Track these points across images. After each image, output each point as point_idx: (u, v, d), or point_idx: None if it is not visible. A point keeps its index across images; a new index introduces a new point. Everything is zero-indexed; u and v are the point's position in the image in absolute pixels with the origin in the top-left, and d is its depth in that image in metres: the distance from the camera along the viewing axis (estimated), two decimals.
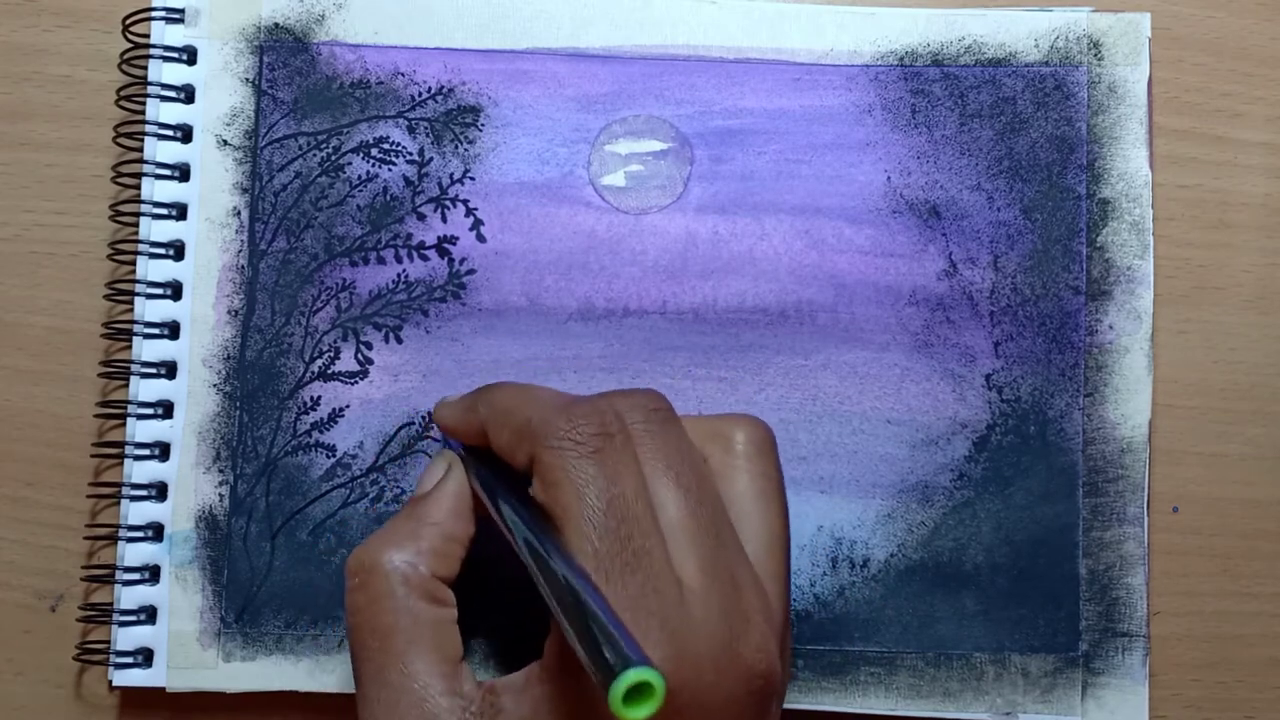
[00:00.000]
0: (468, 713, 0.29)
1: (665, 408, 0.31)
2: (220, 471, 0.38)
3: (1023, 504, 0.39)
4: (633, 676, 0.24)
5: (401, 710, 0.29)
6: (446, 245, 0.39)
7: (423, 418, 0.39)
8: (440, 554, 0.31)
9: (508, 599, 0.37)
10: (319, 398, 0.39)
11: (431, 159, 0.39)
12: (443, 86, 0.39)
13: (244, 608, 0.38)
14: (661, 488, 0.29)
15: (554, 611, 0.27)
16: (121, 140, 0.39)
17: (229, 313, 0.39)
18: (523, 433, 0.30)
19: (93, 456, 0.39)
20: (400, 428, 0.39)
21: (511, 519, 0.30)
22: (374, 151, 0.39)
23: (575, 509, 0.28)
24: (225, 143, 0.39)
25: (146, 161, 0.39)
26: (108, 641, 0.38)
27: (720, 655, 0.28)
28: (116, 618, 0.38)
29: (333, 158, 0.39)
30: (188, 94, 0.39)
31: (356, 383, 0.39)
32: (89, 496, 0.39)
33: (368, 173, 0.39)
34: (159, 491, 0.38)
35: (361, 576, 0.31)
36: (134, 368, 0.38)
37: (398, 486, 0.38)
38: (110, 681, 0.38)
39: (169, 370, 0.38)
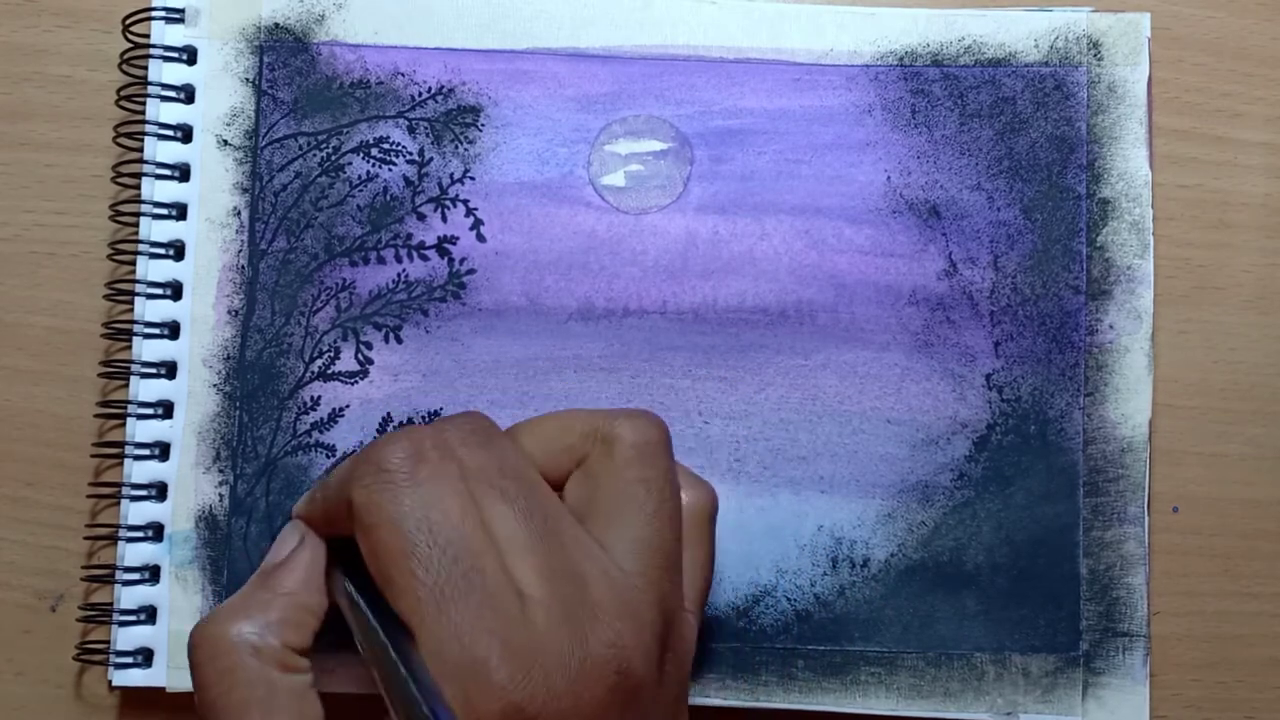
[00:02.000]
0: None
1: (485, 426, 0.31)
2: (220, 471, 0.38)
3: (1023, 504, 0.38)
4: None
5: None
6: (446, 245, 0.39)
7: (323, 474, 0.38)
8: (293, 624, 0.31)
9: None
10: (319, 398, 0.39)
11: (431, 159, 0.39)
12: (443, 86, 0.39)
13: None
14: (489, 505, 0.29)
15: (379, 677, 0.27)
16: (121, 140, 0.39)
17: (229, 313, 0.39)
18: (340, 488, 0.30)
19: (93, 456, 0.39)
20: (400, 428, 0.38)
21: (340, 589, 0.30)
22: (374, 151, 0.39)
23: (395, 544, 0.28)
24: (225, 143, 0.39)
25: (146, 161, 0.39)
26: (108, 641, 0.38)
27: (569, 659, 0.27)
28: (116, 618, 0.38)
29: (333, 158, 0.39)
30: (188, 94, 0.39)
31: (356, 383, 0.39)
32: (89, 496, 0.39)
33: (368, 173, 0.39)
34: (159, 491, 0.38)
35: (208, 649, 0.30)
36: (134, 368, 0.38)
37: None
38: (110, 681, 0.38)
39: (169, 370, 0.38)
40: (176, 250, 0.39)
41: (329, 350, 0.39)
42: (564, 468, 0.32)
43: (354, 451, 0.35)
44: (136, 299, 0.38)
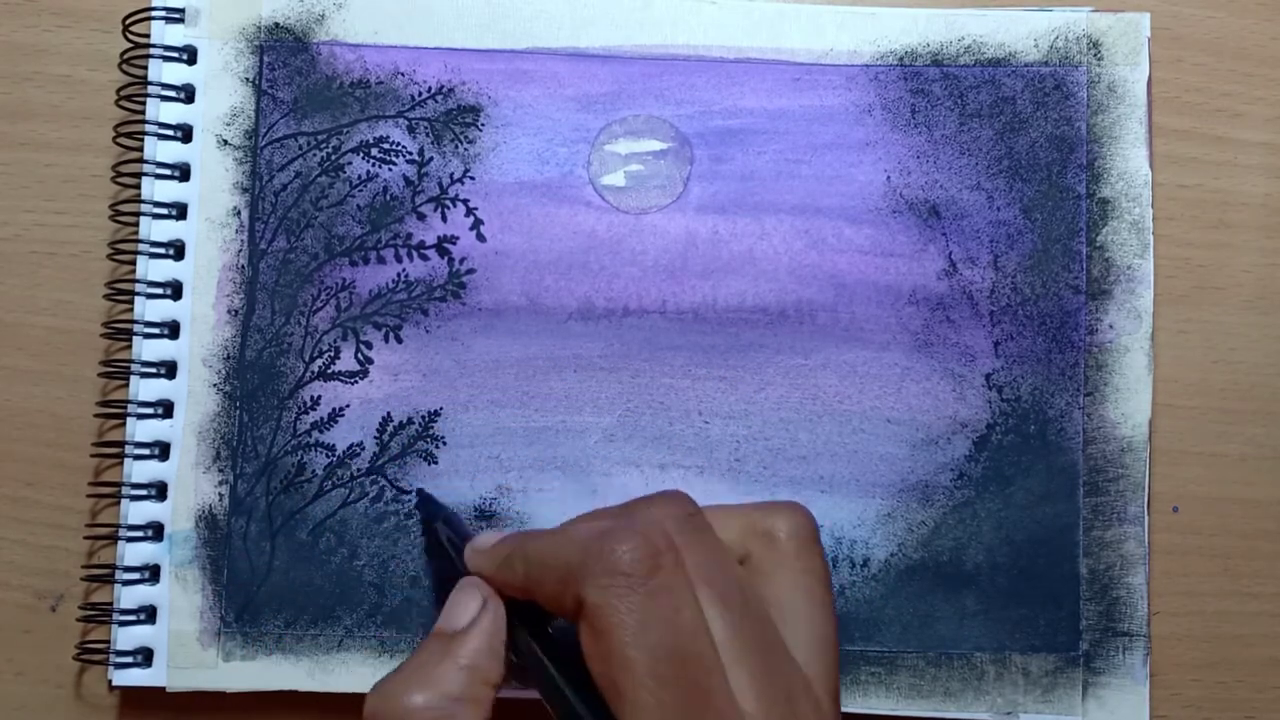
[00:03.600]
0: None
1: (698, 512, 0.30)
2: (220, 471, 0.38)
3: (1023, 503, 0.38)
4: None
5: None
6: (446, 245, 0.39)
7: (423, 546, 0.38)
8: (474, 700, 0.29)
9: None
10: (319, 397, 0.38)
11: (431, 159, 0.39)
12: (443, 86, 0.39)
13: (244, 607, 0.38)
14: (710, 610, 0.28)
15: None
16: (121, 140, 0.39)
17: (229, 312, 0.39)
18: (565, 578, 0.28)
19: (93, 456, 0.39)
20: (400, 427, 0.38)
21: (554, 682, 0.29)
22: (374, 151, 0.39)
23: (633, 658, 0.26)
24: (225, 142, 0.39)
25: (146, 161, 0.39)
26: (108, 641, 0.38)
27: None
28: (116, 617, 0.38)
29: (333, 157, 0.39)
30: (188, 94, 0.39)
31: (356, 382, 0.39)
32: (89, 496, 0.39)
33: (368, 172, 0.39)
34: (159, 491, 0.38)
35: (389, 716, 0.29)
36: (134, 367, 0.38)
37: (397, 486, 0.38)
38: (110, 681, 0.38)
39: (169, 370, 0.38)
40: (176, 250, 0.39)
41: (329, 350, 0.39)
42: None
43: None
44: (136, 299, 0.38)
